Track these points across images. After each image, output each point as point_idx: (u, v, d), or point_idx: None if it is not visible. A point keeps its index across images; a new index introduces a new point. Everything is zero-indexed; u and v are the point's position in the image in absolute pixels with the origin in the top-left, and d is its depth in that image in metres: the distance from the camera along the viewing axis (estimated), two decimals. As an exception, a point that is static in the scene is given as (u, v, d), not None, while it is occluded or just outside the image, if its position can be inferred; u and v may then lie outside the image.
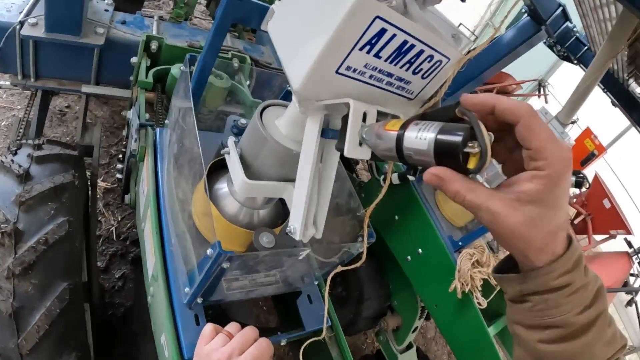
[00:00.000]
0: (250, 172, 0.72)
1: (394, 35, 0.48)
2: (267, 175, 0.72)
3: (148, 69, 1.35)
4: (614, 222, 3.87)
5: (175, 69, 1.33)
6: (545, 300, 0.38)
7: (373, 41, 0.47)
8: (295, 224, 0.64)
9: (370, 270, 1.83)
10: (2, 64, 1.25)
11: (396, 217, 1.62)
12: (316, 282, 1.00)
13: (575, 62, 2.06)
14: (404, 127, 0.44)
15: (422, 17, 0.55)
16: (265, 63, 1.66)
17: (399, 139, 0.44)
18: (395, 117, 0.57)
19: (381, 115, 0.55)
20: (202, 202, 0.86)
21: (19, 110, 1.90)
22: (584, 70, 2.07)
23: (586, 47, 1.94)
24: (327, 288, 0.83)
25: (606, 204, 3.90)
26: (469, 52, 0.59)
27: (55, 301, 0.78)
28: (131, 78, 1.40)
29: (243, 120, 0.98)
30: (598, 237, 4.13)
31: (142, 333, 1.53)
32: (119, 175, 1.60)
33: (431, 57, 0.54)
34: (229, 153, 0.75)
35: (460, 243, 1.45)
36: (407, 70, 0.54)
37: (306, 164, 0.61)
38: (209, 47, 0.85)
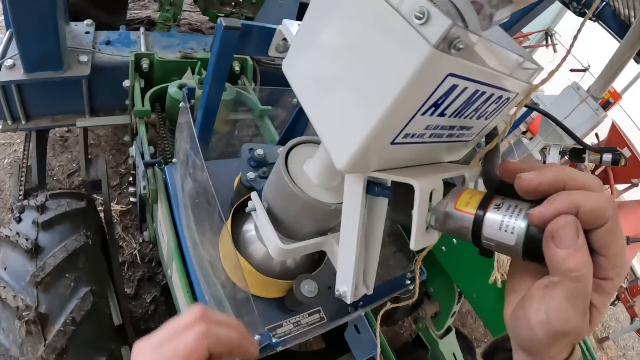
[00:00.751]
0: (281, 228, 0.64)
1: (464, 89, 0.37)
2: (302, 233, 0.64)
3: (143, 91, 1.24)
4: (635, 170, 3.75)
5: (173, 89, 1.21)
6: None
7: (440, 102, 0.37)
8: (344, 287, 0.56)
9: (404, 258, 1.79)
10: (-12, 110, 1.14)
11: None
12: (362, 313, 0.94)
13: (593, 18, 1.89)
14: (483, 207, 0.35)
15: (488, 45, 0.43)
16: (267, 60, 1.52)
17: (477, 225, 0.35)
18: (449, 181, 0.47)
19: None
20: (230, 255, 0.79)
21: (19, 144, 1.81)
22: (603, 27, 1.90)
23: (604, 3, 1.78)
24: (378, 326, 0.77)
25: (626, 152, 3.75)
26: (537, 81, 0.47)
27: (96, 380, 0.73)
28: (127, 102, 1.29)
29: (260, 151, 0.88)
30: (620, 187, 4.02)
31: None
32: (132, 199, 1.52)
33: (500, 97, 0.43)
34: (254, 209, 0.66)
35: (496, 230, 1.38)
36: (471, 118, 0.44)
37: (351, 229, 0.51)
38: (211, 80, 0.72)
